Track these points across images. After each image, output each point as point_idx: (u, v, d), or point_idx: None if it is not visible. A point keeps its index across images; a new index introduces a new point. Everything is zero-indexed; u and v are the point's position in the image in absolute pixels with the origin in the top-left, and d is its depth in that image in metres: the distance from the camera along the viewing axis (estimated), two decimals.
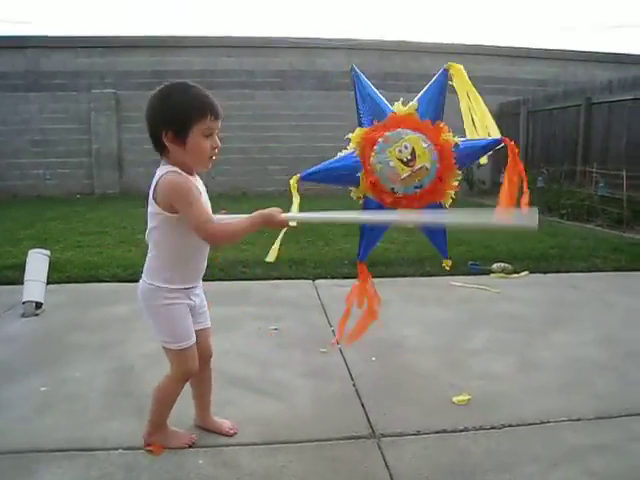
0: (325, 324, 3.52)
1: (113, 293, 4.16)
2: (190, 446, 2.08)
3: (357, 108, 2.60)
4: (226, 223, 1.95)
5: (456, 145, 2.42)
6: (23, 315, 3.58)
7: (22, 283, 3.80)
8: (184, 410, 2.20)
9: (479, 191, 11.50)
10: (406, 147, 2.30)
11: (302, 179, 2.61)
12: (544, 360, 2.95)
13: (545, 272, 4.90)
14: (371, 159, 2.40)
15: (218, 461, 2.00)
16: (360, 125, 2.56)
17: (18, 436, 2.14)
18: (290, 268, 4.84)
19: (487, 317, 3.67)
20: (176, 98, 1.85)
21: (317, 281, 4.56)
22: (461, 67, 2.53)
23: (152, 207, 1.88)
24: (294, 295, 4.17)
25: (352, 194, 2.61)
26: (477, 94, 2.55)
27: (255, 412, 2.36)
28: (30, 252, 4.04)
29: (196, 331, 2.04)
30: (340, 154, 2.61)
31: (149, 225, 1.94)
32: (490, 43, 12.69)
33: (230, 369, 2.72)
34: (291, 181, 2.61)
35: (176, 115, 1.83)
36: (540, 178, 9.13)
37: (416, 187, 2.35)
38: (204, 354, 2.11)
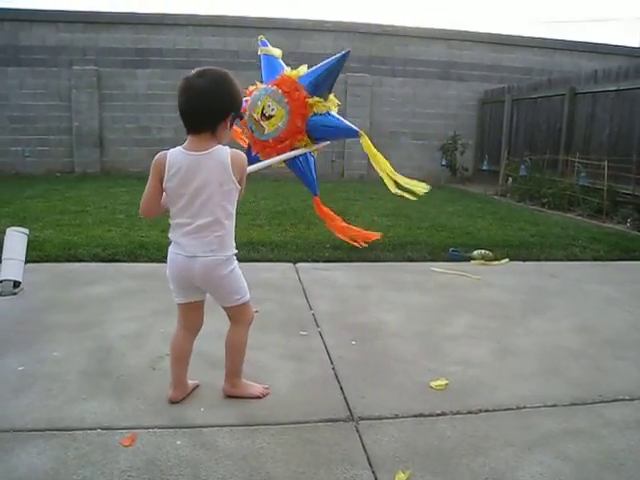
0: (306, 307, 3.53)
1: (92, 273, 4.12)
2: (262, 397, 2.32)
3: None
4: None
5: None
6: (1, 294, 3.53)
7: (0, 262, 3.74)
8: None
9: (462, 177, 11.59)
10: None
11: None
12: (521, 347, 2.99)
13: (525, 260, 4.95)
14: None
15: (196, 442, 2.00)
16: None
17: None
18: (271, 251, 4.83)
19: (466, 303, 3.71)
20: (237, 86, 2.08)
21: (298, 264, 4.56)
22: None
23: (231, 184, 2.06)
24: (275, 278, 4.16)
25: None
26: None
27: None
28: (8, 230, 3.98)
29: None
30: None
31: (222, 205, 2.06)
32: (476, 30, 12.64)
33: (210, 351, 2.70)
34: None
35: (240, 101, 2.11)
36: (522, 166, 9.19)
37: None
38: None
